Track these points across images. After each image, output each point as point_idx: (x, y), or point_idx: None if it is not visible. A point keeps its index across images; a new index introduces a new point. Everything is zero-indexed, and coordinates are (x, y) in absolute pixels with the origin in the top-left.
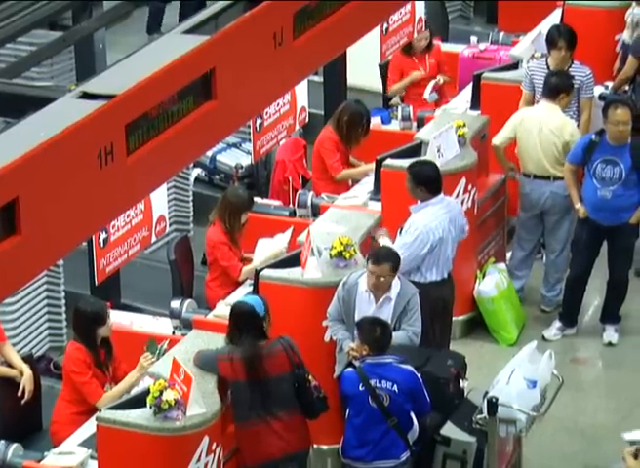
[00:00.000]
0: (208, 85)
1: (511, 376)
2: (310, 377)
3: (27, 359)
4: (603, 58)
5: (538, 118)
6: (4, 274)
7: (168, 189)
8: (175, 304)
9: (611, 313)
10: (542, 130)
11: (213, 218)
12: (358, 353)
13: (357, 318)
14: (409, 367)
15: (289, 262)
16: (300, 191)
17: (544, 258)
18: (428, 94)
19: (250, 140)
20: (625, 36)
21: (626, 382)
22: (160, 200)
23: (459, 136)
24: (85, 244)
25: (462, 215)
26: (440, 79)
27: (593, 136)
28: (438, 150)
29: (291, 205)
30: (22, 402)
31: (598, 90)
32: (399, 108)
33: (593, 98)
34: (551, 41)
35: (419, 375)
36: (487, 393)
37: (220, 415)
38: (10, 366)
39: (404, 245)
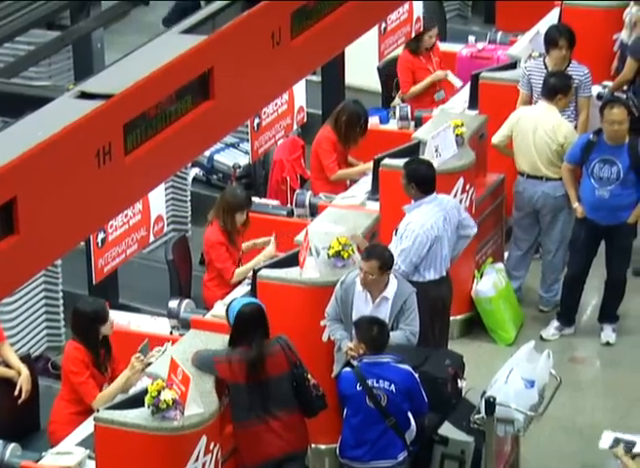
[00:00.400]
0: (206, 85)
1: (509, 376)
2: (309, 376)
3: (25, 359)
4: (601, 57)
5: (534, 118)
6: (2, 274)
7: (166, 189)
8: (173, 304)
9: (609, 312)
10: (537, 130)
11: (211, 218)
12: (356, 352)
13: (355, 317)
14: (406, 366)
15: (287, 262)
16: (297, 191)
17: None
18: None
19: (248, 140)
20: (623, 36)
21: (624, 382)
22: (158, 200)
23: (456, 135)
24: (83, 244)
25: (462, 211)
26: (448, 73)
27: (591, 136)
28: (436, 150)
29: (289, 205)
30: (19, 402)
31: (596, 89)
32: (397, 108)
33: (591, 98)
34: (552, 40)
35: (416, 375)
36: (485, 393)
37: (217, 415)
38: (8, 366)
39: (403, 251)
